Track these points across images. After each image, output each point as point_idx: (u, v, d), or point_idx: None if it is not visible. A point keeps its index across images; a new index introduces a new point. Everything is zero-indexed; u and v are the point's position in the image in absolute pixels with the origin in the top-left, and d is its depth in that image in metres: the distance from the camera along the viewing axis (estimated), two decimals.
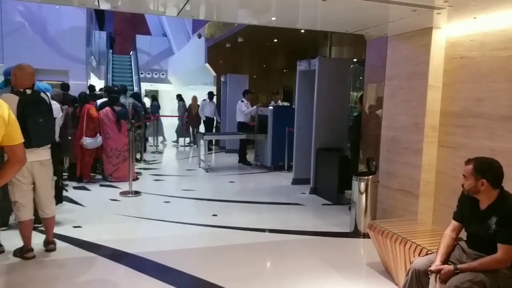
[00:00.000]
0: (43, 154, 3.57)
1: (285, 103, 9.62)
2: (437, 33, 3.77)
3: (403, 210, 4.08)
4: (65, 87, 7.86)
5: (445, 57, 3.79)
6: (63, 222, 4.63)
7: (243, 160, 9.17)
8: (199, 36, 13.54)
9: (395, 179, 4.22)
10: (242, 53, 12.97)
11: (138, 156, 9.05)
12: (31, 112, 3.35)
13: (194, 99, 12.05)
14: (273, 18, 5.44)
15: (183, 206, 5.72)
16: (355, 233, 4.54)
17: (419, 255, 2.81)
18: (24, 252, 3.62)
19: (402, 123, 4.14)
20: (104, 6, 4.55)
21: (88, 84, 11.73)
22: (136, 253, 3.83)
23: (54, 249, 3.81)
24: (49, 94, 3.86)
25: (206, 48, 12.74)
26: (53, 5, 11.57)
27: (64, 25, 12.70)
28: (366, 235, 4.24)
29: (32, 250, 3.65)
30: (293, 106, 7.36)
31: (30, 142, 3.31)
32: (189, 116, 11.93)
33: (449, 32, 3.77)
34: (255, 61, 13.48)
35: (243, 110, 9.04)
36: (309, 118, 6.51)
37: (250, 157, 9.35)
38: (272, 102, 9.45)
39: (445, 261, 2.41)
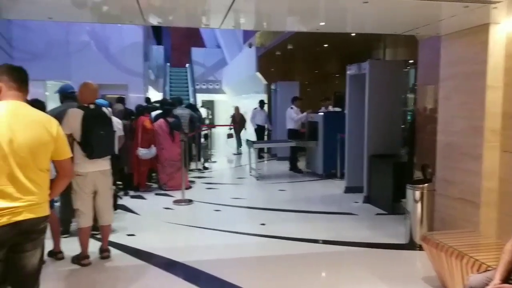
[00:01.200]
0: (104, 165, 3.78)
1: (337, 109, 9.40)
2: (495, 29, 3.47)
3: (463, 221, 3.78)
4: (120, 100, 8.28)
5: (506, 55, 3.47)
6: (117, 230, 4.84)
7: (294, 167, 9.07)
8: (250, 46, 13.71)
9: (453, 187, 3.92)
10: (292, 60, 12.91)
11: (200, 162, 9.29)
12: (94, 126, 3.59)
13: (237, 109, 13.24)
14: (322, 24, 5.36)
15: (233, 215, 5.76)
16: (411, 245, 4.28)
17: (477, 271, 2.57)
18: (81, 259, 3.82)
19: (459, 127, 3.85)
20: (152, 21, 4.75)
21: (146, 97, 12.30)
22: (186, 262, 3.89)
23: (108, 257, 3.98)
24: (109, 109, 4.10)
25: (257, 57, 12.85)
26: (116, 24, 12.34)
27: (124, 42, 13.45)
28: (422, 247, 3.97)
29: (88, 257, 3.84)
30: (345, 112, 7.17)
31: (92, 153, 3.57)
32: (234, 124, 12.84)
33: (510, 28, 3.45)
34: (306, 67, 13.35)
35: (292, 117, 8.95)
36: (361, 124, 6.29)
37: (302, 164, 9.23)
38: (323, 108, 9.27)
39: (505, 279, 2.18)
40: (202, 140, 10.41)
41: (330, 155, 8.06)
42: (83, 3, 3.97)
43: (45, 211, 2.22)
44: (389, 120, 6.07)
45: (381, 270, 3.74)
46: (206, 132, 11.31)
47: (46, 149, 2.20)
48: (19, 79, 2.23)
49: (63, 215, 4.40)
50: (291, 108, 9.06)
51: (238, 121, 12.86)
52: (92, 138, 3.56)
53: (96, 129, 3.60)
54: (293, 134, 9.04)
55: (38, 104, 2.84)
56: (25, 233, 2.12)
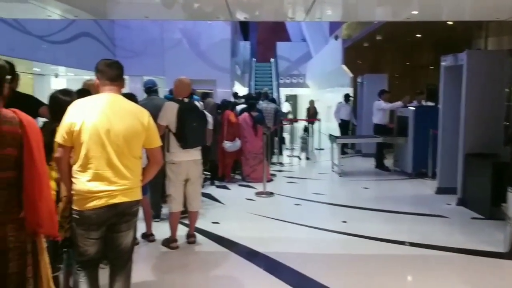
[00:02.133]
0: (196, 154, 4.01)
1: (429, 103, 8.76)
2: None
3: None
4: (207, 95, 8.63)
5: None
6: (204, 217, 5.09)
7: (380, 165, 8.67)
8: (336, 38, 13.39)
9: None
10: (381, 52, 12.32)
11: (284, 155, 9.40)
12: (188, 118, 3.82)
13: (311, 102, 14.08)
14: (414, 12, 5.05)
15: (314, 210, 5.70)
16: (511, 255, 3.84)
17: None
18: (170, 242, 4.10)
19: None
20: (239, 17, 4.87)
21: (233, 92, 12.69)
22: (267, 253, 3.95)
23: (194, 242, 4.21)
24: (201, 103, 4.34)
25: (343, 49, 12.50)
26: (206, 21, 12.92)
27: (213, 39, 14.00)
28: None
29: (176, 241, 4.11)
30: (438, 106, 6.65)
31: (186, 143, 3.83)
32: (308, 119, 13.24)
33: None
34: (396, 59, 12.65)
35: (382, 106, 8.50)
36: (456, 119, 5.79)
37: (389, 162, 8.80)
38: (415, 102, 8.68)
39: None
40: (303, 133, 10.50)
41: (420, 153, 7.54)
42: (172, 2, 4.21)
43: (137, 195, 2.41)
44: (489, 115, 5.50)
45: (475, 279, 3.43)
46: (288, 125, 11.35)
47: (139, 138, 2.39)
48: (111, 76, 2.42)
49: (153, 200, 4.74)
50: (379, 100, 8.64)
51: (311, 115, 13.55)
52: (186, 129, 3.78)
53: (190, 121, 3.83)
54: (380, 129, 8.62)
55: (131, 97, 3.09)
56: (120, 214, 2.33)
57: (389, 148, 8.97)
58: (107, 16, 5.75)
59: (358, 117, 11.03)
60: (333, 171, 8.47)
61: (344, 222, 5.01)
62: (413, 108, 7.90)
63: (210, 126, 4.97)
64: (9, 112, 1.78)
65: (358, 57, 12.50)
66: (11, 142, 1.74)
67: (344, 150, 10.67)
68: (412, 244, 4.26)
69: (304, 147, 10.53)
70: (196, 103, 4.19)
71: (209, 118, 4.77)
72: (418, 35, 10.62)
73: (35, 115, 3.11)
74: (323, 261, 3.86)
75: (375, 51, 12.22)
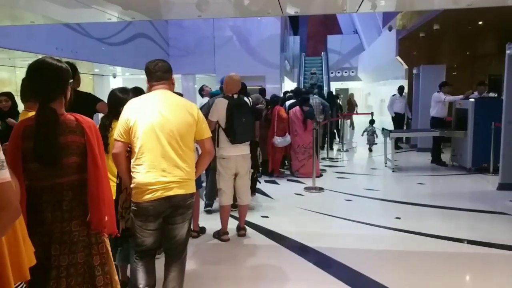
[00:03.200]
0: (244, 149, 4.08)
1: (492, 94, 8.22)
2: None
3: None
4: (262, 92, 8.69)
5: None
6: (254, 210, 5.17)
7: (437, 160, 8.28)
8: (390, 29, 12.90)
9: None
10: (439, 42, 11.69)
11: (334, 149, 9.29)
12: (236, 113, 3.89)
13: (351, 95, 15.71)
14: None
15: (365, 206, 5.58)
16: None
17: None
18: (221, 235, 4.22)
19: None
20: (289, 11, 4.86)
21: (283, 89, 12.64)
22: (318, 248, 3.94)
23: (244, 235, 4.30)
24: (250, 99, 4.41)
25: (397, 40, 12.03)
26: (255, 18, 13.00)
27: (263, 35, 14.04)
28: None
29: (227, 233, 4.23)
30: (502, 97, 6.23)
31: (235, 138, 3.90)
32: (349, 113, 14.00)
33: None
34: (455, 49, 11.96)
35: (442, 98, 8.09)
36: None
37: (446, 156, 8.38)
38: (475, 93, 8.17)
39: None
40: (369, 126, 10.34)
41: (481, 147, 7.13)
42: (223, 0, 4.28)
43: (192, 188, 2.51)
44: None
45: None
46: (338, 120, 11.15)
47: (191, 129, 2.49)
48: (157, 77, 2.54)
49: (209, 191, 4.95)
50: (438, 92, 8.24)
51: (349, 109, 14.98)
52: (235, 125, 3.86)
53: (239, 116, 3.89)
54: (437, 122, 8.22)
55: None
56: (175, 207, 2.43)
57: (447, 142, 8.54)
58: (161, 16, 5.97)
59: (414, 110, 10.59)
60: (386, 166, 8.22)
61: (398, 218, 4.86)
62: (473, 100, 7.46)
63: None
64: (71, 120, 1.90)
65: (414, 48, 11.98)
66: (76, 151, 1.89)
67: (398, 144, 10.31)
68: (471, 242, 4.07)
69: (371, 140, 10.30)
70: (246, 99, 4.20)
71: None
72: (480, 23, 9.96)
73: (93, 111, 3.34)
74: (375, 257, 3.79)
75: (432, 42, 11.63)
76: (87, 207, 1.93)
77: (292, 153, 7.38)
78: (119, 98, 2.87)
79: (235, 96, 4.03)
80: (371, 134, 10.31)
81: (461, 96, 7.94)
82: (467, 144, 7.43)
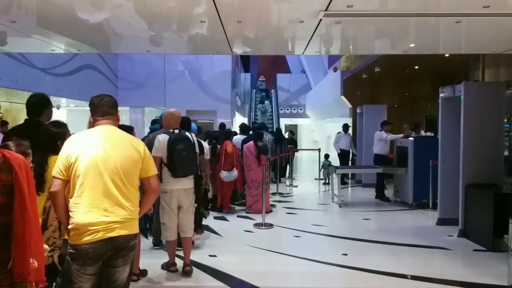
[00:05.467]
0: (187, 183, 4.10)
1: (428, 133, 8.80)
2: None
3: None
4: (222, 126, 8.69)
5: None
6: (201, 249, 5.01)
7: (380, 195, 8.60)
8: (335, 70, 13.62)
9: None
10: (380, 83, 12.50)
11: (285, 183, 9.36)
12: (177, 148, 3.92)
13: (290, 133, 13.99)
14: (412, 45, 5.17)
15: (314, 242, 5.61)
16: None
17: None
18: (170, 266, 4.22)
19: None
20: (239, 51, 4.98)
21: (235, 124, 12.76)
22: (265, 287, 3.86)
23: (190, 271, 4.16)
24: (193, 134, 4.43)
25: (342, 81, 12.70)
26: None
27: (214, 70, 14.23)
28: None
29: (175, 264, 4.24)
30: (437, 137, 6.69)
31: (176, 171, 3.93)
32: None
33: None
34: (394, 90, 12.81)
35: (383, 137, 8.54)
36: (456, 150, 5.80)
37: (389, 192, 8.74)
38: (413, 133, 8.72)
39: None
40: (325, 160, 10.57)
41: (421, 183, 7.50)
42: (175, 38, 4.32)
43: (135, 228, 2.39)
44: (489, 146, 5.52)
45: None
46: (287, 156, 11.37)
47: (136, 166, 2.40)
48: (102, 112, 2.46)
49: (156, 229, 4.77)
50: (380, 130, 8.69)
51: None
52: (175, 158, 3.91)
53: (179, 150, 3.92)
54: (380, 159, 8.62)
55: (128, 130, 3.16)
56: (117, 248, 2.29)
57: (390, 178, 8.94)
58: (110, 49, 5.87)
59: (358, 147, 11.05)
60: (333, 201, 8.41)
61: (345, 254, 4.92)
62: (412, 139, 7.93)
63: (207, 156, 5.07)
64: None
65: (357, 88, 12.67)
66: (2, 190, 1.74)
67: (344, 180, 10.62)
68: (414, 278, 4.18)
69: (327, 173, 10.59)
70: (187, 133, 4.22)
71: (205, 148, 4.84)
72: (416, 67, 10.81)
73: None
74: None
75: (373, 83, 12.39)
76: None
77: (246, 188, 7.36)
78: (54, 132, 2.72)
79: (176, 131, 4.07)
80: (327, 167, 10.59)
81: (401, 135, 8.43)
82: (408, 181, 7.81)
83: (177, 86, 13.75)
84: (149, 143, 4.07)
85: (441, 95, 6.31)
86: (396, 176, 8.38)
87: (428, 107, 12.06)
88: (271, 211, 7.29)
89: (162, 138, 3.98)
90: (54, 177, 2.29)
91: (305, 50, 4.77)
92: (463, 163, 5.61)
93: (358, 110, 11.22)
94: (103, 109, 2.46)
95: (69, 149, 2.30)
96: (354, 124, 11.93)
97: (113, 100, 2.53)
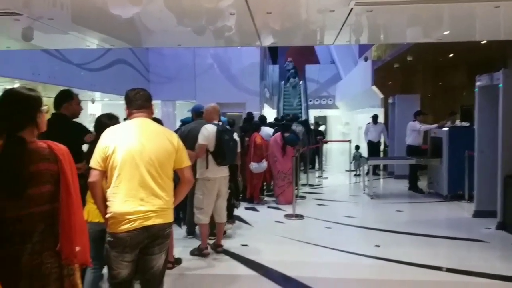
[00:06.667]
0: (226, 171, 4.45)
1: (464, 124, 8.51)
2: None
3: None
4: (250, 116, 8.68)
5: None
6: (233, 238, 5.09)
7: (414, 187, 8.42)
8: (366, 59, 13.34)
9: None
10: (413, 72, 12.15)
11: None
12: (225, 138, 4.21)
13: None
14: (446, 33, 5.00)
15: (345, 234, 5.58)
16: None
17: None
18: (202, 250, 4.45)
19: None
20: (268, 42, 4.97)
21: (260, 115, 12.78)
22: (297, 277, 3.88)
23: (222, 251, 4.48)
24: (227, 126, 4.74)
25: (373, 71, 12.42)
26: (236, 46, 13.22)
27: (243, 63, 14.26)
28: None
29: (207, 248, 4.44)
30: (473, 127, 6.46)
31: (224, 160, 4.23)
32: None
33: None
34: (428, 79, 12.43)
35: (417, 127, 8.31)
36: (493, 140, 5.60)
37: (422, 184, 8.54)
38: (449, 123, 8.45)
39: None
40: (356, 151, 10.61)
41: (456, 174, 7.30)
42: (203, 30, 4.37)
43: (170, 217, 2.46)
44: None
45: None
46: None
47: (170, 157, 2.46)
48: (137, 105, 2.53)
49: (190, 218, 4.89)
50: (414, 121, 8.48)
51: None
52: (225, 148, 4.20)
53: (227, 140, 4.22)
54: (413, 150, 8.42)
55: (156, 121, 3.27)
56: (154, 237, 2.36)
57: (423, 169, 8.73)
58: (141, 44, 6.00)
59: (390, 138, 10.82)
60: (365, 193, 8.30)
61: (377, 246, 4.87)
62: (447, 129, 7.69)
63: (238, 148, 5.26)
64: (44, 148, 1.85)
65: (389, 78, 12.37)
66: (49, 179, 1.83)
67: (376, 171, 10.45)
68: (449, 270, 4.09)
69: (358, 164, 10.49)
70: (227, 126, 4.58)
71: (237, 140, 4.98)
72: (450, 55, 10.42)
73: (81, 141, 3.29)
74: (356, 287, 3.75)
75: (406, 72, 12.06)
76: (59, 237, 1.85)
77: (273, 178, 7.42)
78: (106, 124, 2.79)
79: (220, 123, 4.39)
80: (358, 158, 10.48)
81: (435, 125, 8.19)
82: (442, 172, 7.60)
83: (207, 79, 13.88)
84: (181, 135, 4.20)
85: (477, 83, 6.08)
86: (430, 167, 8.17)
87: (463, 97, 11.65)
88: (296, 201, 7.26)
89: (210, 128, 4.23)
90: (92, 168, 2.38)
91: (335, 40, 4.70)
92: (502, 154, 5.41)
93: (390, 100, 10.98)
94: (138, 103, 2.53)
95: (106, 141, 2.38)
96: (386, 115, 11.69)
97: (147, 94, 2.60)
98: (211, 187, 4.30)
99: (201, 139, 4.16)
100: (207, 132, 4.20)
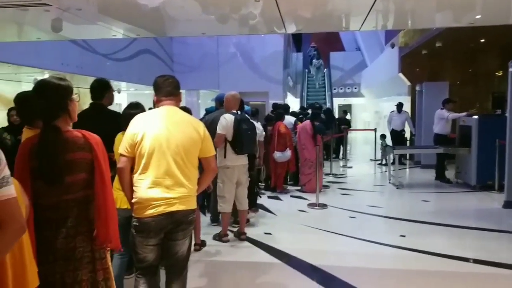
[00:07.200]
0: (244, 160, 4.51)
1: (496, 111, 8.22)
2: None
3: None
4: (275, 106, 8.65)
5: None
6: (256, 227, 5.13)
7: (441, 177, 8.23)
8: (392, 46, 13.00)
9: None
10: (441, 59, 11.76)
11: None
12: (243, 127, 4.23)
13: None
14: (478, 17, 4.81)
15: (369, 223, 5.52)
16: None
17: None
18: (222, 236, 4.59)
19: None
20: (293, 29, 4.91)
21: (282, 104, 12.69)
22: (321, 266, 3.89)
23: (245, 239, 4.54)
24: (247, 115, 4.70)
25: (400, 57, 12.11)
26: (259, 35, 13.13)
27: (266, 51, 14.15)
28: None
29: (227, 235, 4.61)
30: (505, 115, 6.23)
31: (242, 149, 4.28)
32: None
33: None
34: (457, 66, 12.01)
35: (445, 116, 8.08)
36: None
37: (450, 173, 8.33)
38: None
39: None
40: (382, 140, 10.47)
41: (486, 164, 7.08)
42: (227, 19, 4.35)
43: (194, 204, 2.49)
44: None
45: None
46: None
47: (196, 146, 2.49)
48: (166, 92, 2.55)
49: (214, 206, 4.97)
50: (442, 109, 8.24)
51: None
52: (243, 137, 4.24)
53: (245, 129, 4.25)
54: (441, 139, 8.20)
55: (186, 111, 3.27)
56: (177, 222, 2.41)
57: (451, 159, 8.51)
58: (166, 33, 6.04)
59: (417, 126, 10.57)
60: (390, 183, 8.17)
61: (403, 236, 4.80)
62: (477, 117, 7.45)
63: (261, 137, 5.32)
64: (79, 137, 1.91)
65: (416, 65, 12.04)
66: (84, 168, 1.90)
67: (401, 161, 10.26)
68: (478, 262, 4.00)
69: (384, 154, 10.36)
70: (246, 115, 4.56)
71: (259, 130, 5.02)
72: (482, 40, 10.03)
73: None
74: (380, 276, 3.73)
75: (434, 58, 11.69)
76: (92, 222, 1.92)
77: (300, 166, 7.42)
78: (131, 114, 2.77)
79: (238, 112, 4.40)
80: (383, 148, 10.34)
81: (464, 113, 7.95)
82: (471, 161, 7.39)
83: (230, 68, 13.85)
84: (204, 124, 4.24)
85: (510, 69, 5.84)
86: (458, 157, 7.96)
87: (494, 84, 11.22)
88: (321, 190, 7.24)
89: (228, 118, 4.28)
90: (120, 154, 2.43)
91: (361, 26, 4.59)
92: None
93: (417, 88, 10.72)
94: (167, 90, 2.56)
95: (135, 128, 2.42)
96: (413, 103, 11.41)
97: (176, 82, 2.62)
98: (230, 175, 4.40)
99: (219, 129, 4.22)
100: (225, 122, 4.26)
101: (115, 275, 2.94)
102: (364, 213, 5.92)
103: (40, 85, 1.92)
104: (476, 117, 7.48)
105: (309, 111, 9.58)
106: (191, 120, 2.56)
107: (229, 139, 4.28)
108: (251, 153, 4.63)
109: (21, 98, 2.47)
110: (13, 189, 1.25)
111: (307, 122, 7.41)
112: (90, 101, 3.51)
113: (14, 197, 1.25)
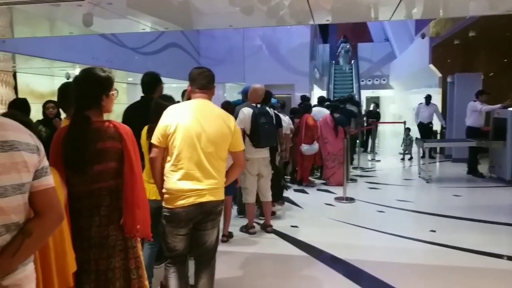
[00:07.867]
0: (265, 153, 4.56)
1: None
2: None
3: None
4: (304, 99, 8.57)
5: None
6: (283, 220, 5.13)
7: (473, 171, 7.97)
8: (423, 36, 12.61)
9: None
10: (475, 49, 11.33)
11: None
12: (260, 120, 4.28)
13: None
14: None
15: (398, 218, 5.42)
16: None
17: None
18: (249, 228, 4.65)
19: None
20: (321, 20, 4.83)
21: (313, 97, 12.57)
22: (348, 259, 3.86)
23: (271, 232, 4.60)
24: (271, 109, 4.74)
25: (430, 48, 11.74)
26: (285, 26, 13.01)
27: (292, 43, 14.01)
28: None
29: (254, 227, 4.67)
30: None
31: (259, 142, 4.32)
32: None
33: None
34: (492, 56, 11.53)
35: (478, 108, 7.80)
36: None
37: (483, 168, 8.05)
38: None
39: None
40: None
41: None
42: (254, 10, 4.32)
43: (222, 195, 2.53)
44: None
45: None
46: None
47: (226, 140, 2.51)
48: (201, 84, 2.57)
49: (241, 199, 4.98)
50: (475, 101, 7.96)
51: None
52: (260, 131, 4.30)
53: (262, 123, 4.29)
54: (473, 132, 7.93)
55: (228, 105, 3.74)
56: (206, 213, 2.45)
57: (484, 153, 8.22)
58: (193, 26, 6.08)
59: (448, 119, 10.26)
60: (420, 177, 7.98)
61: (433, 231, 4.69)
62: None
63: (287, 130, 5.30)
64: (110, 127, 1.96)
65: (448, 56, 11.65)
66: (114, 157, 1.94)
67: (432, 154, 10.00)
68: (510, 258, 3.86)
69: (409, 148, 10.17)
70: (268, 108, 4.57)
71: (285, 123, 5.00)
72: None
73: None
74: (408, 271, 3.66)
75: (467, 49, 11.28)
76: (122, 211, 1.96)
77: (323, 161, 7.37)
78: (164, 105, 2.74)
79: (259, 105, 4.45)
80: (409, 143, 10.11)
81: (499, 105, 7.64)
82: (506, 155, 7.12)
83: (256, 61, 13.81)
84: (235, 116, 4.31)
85: None
86: (492, 150, 7.69)
87: None
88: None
89: (246, 112, 4.32)
90: (153, 144, 2.48)
91: (392, 15, 4.46)
92: None
93: (448, 80, 10.38)
94: (202, 83, 2.58)
95: (167, 120, 2.45)
96: (444, 95, 11.07)
97: (211, 75, 2.65)
98: (250, 167, 4.45)
99: (237, 122, 4.18)
100: (243, 115, 4.33)
101: (145, 265, 3.03)
102: (393, 207, 5.81)
103: (80, 76, 1.98)
104: (511, 109, 7.18)
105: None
106: (222, 115, 2.57)
107: (247, 132, 4.33)
108: (271, 146, 4.66)
109: (62, 87, 2.54)
110: (51, 179, 1.29)
111: (328, 115, 7.35)
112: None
113: (53, 187, 1.29)
